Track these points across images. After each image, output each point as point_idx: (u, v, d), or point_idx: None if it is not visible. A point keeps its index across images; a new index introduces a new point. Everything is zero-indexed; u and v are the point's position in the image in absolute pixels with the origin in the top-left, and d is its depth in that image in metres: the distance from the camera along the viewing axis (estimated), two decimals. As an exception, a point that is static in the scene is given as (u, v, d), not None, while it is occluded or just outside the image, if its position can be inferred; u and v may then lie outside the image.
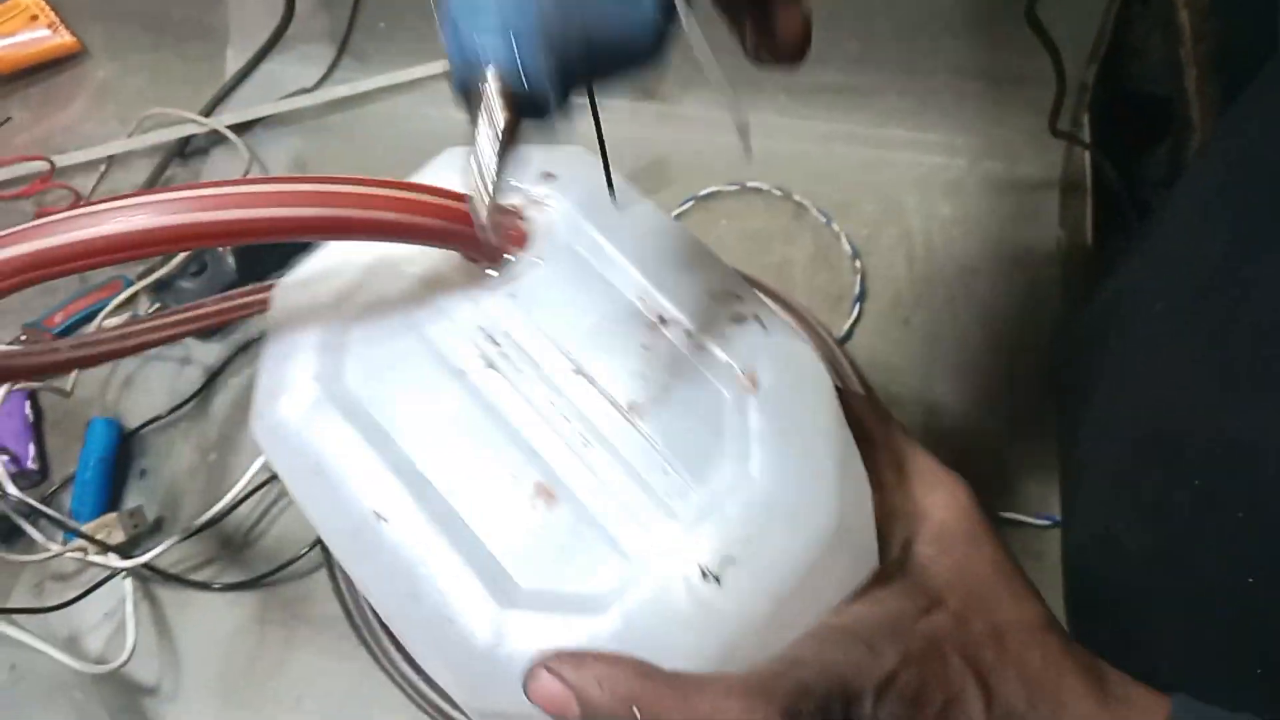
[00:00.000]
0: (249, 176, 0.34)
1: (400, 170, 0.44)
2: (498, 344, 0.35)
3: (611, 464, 0.33)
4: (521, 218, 0.38)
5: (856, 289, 0.70)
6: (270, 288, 0.63)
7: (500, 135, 0.27)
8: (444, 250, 0.37)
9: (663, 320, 0.36)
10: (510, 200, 0.38)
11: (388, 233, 0.33)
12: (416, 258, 0.38)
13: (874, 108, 0.75)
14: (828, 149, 0.74)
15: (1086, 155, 0.74)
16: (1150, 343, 0.52)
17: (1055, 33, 0.70)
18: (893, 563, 0.35)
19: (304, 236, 0.34)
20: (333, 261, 0.40)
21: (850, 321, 0.69)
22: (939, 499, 0.36)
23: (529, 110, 0.27)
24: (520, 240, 0.38)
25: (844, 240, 0.72)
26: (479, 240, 0.35)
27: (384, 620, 0.38)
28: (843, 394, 0.36)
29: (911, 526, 0.36)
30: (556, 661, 0.29)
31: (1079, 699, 0.34)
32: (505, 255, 0.37)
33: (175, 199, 0.31)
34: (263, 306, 0.64)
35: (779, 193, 0.73)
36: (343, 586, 0.61)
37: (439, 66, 0.77)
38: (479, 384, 0.35)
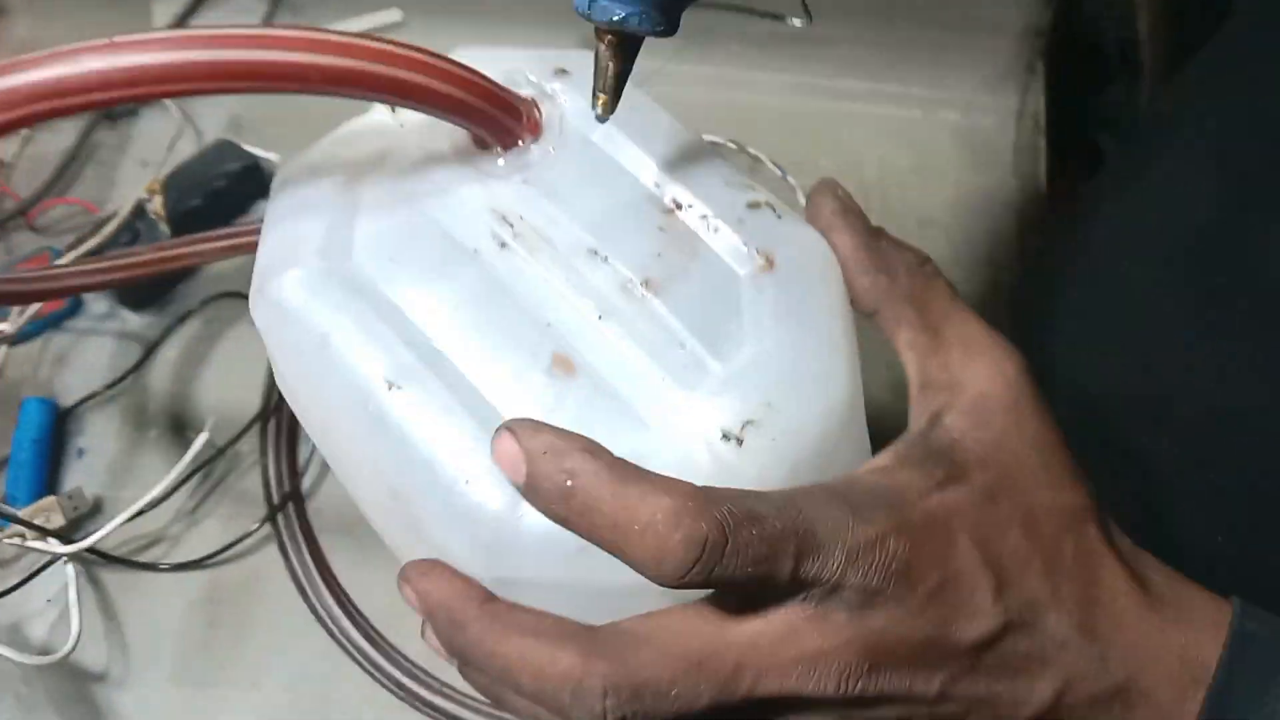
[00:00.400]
0: (279, 22, 0.35)
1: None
2: (511, 225, 0.36)
3: (629, 337, 0.33)
4: (537, 108, 0.38)
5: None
6: (214, 239, 0.61)
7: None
8: (454, 137, 0.38)
9: (678, 205, 0.37)
10: (523, 93, 0.38)
11: (408, 95, 0.33)
12: (425, 144, 0.38)
13: (831, 58, 0.73)
14: (784, 100, 0.73)
15: (1041, 101, 0.74)
16: (1131, 299, 0.51)
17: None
18: (913, 434, 0.33)
19: (328, 89, 0.33)
20: (337, 145, 0.40)
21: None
22: (981, 368, 0.33)
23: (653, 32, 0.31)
24: (535, 129, 0.38)
25: (799, 194, 0.70)
26: (498, 120, 0.36)
27: (374, 509, 0.39)
28: (882, 238, 0.36)
29: (944, 397, 0.33)
30: (518, 424, 0.29)
31: (1117, 596, 0.31)
32: (518, 142, 0.37)
33: (202, 36, 0.32)
34: (202, 259, 0.62)
35: (734, 145, 0.71)
36: (294, 564, 0.60)
37: (377, 19, 0.73)
38: (493, 262, 0.35)
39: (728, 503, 0.27)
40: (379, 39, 0.35)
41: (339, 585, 0.60)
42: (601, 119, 0.34)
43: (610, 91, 0.32)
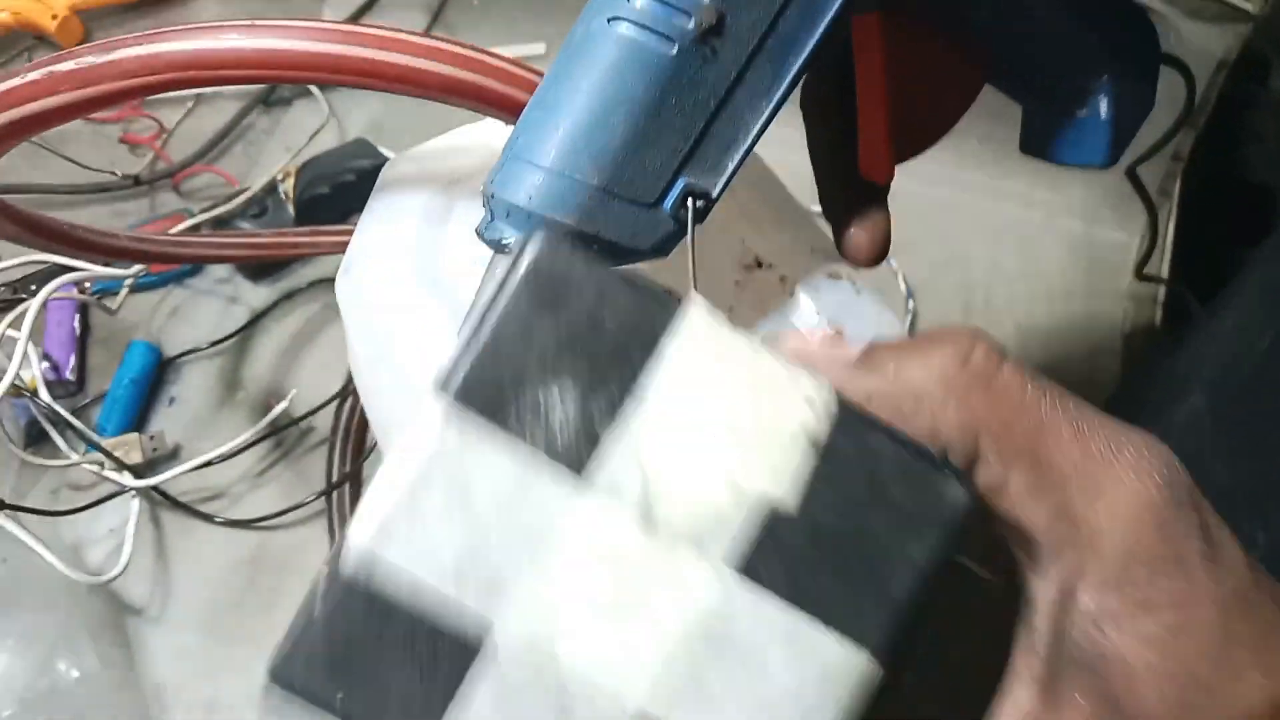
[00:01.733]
0: (411, 30, 0.37)
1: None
2: None
3: None
4: None
5: (904, 331, 0.68)
6: (329, 234, 0.64)
7: None
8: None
9: (759, 263, 0.36)
10: None
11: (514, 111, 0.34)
12: None
13: (955, 148, 0.72)
14: (899, 186, 0.72)
15: (1170, 227, 0.71)
16: (1192, 433, 0.49)
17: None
18: (1047, 643, 0.22)
19: (442, 96, 0.35)
20: (447, 145, 0.41)
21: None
22: (1115, 504, 0.21)
23: None
24: None
25: (900, 279, 0.70)
26: None
27: None
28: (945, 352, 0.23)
29: (1070, 560, 0.21)
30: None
31: None
32: None
33: (339, 30, 0.34)
34: (315, 250, 0.66)
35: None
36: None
37: (523, 50, 0.77)
38: None
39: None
40: (500, 57, 0.37)
41: (374, 571, 0.61)
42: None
43: None
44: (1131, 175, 0.65)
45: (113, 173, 0.73)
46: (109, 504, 0.60)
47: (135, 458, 0.62)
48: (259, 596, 0.61)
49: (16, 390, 0.57)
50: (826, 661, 0.20)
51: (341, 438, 0.65)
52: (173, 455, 0.64)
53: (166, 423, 0.65)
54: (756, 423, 0.20)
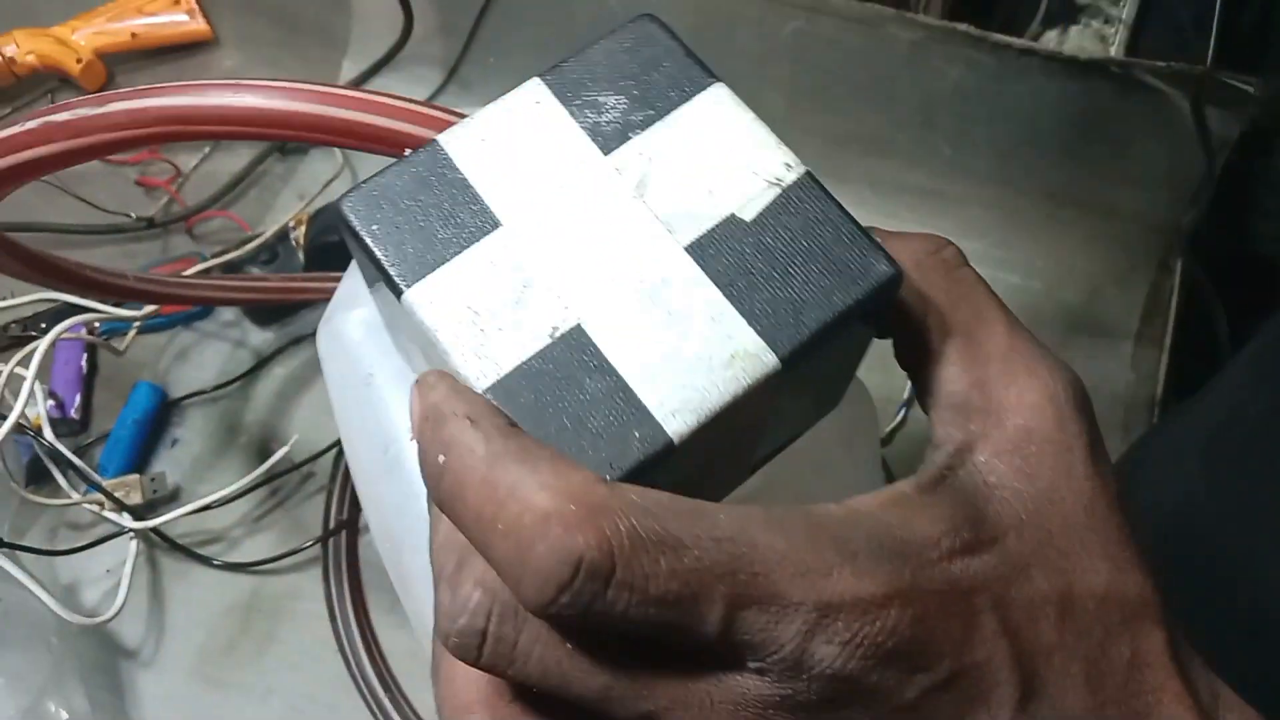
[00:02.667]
0: (390, 93, 0.37)
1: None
2: None
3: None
4: None
5: (906, 394, 0.68)
6: (336, 280, 0.65)
7: None
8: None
9: None
10: None
11: None
12: None
13: (957, 216, 0.73)
14: (903, 249, 0.73)
15: (1173, 302, 0.72)
16: (1189, 501, 0.49)
17: (1154, 169, 0.68)
18: (936, 469, 0.25)
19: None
20: None
21: (893, 425, 0.68)
22: (1027, 392, 0.24)
23: None
24: None
25: (902, 343, 0.70)
26: None
27: (389, 553, 0.40)
28: (922, 242, 0.28)
29: (977, 425, 0.25)
30: (425, 376, 0.24)
31: None
32: None
33: (320, 92, 0.35)
34: (322, 296, 0.67)
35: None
36: (332, 590, 0.62)
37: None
38: None
39: (634, 514, 0.20)
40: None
41: (368, 620, 0.61)
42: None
43: None
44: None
45: (127, 214, 0.74)
46: (107, 544, 0.60)
47: (135, 499, 0.62)
48: (252, 641, 0.61)
49: (20, 428, 0.58)
50: (740, 348, 0.24)
51: (340, 485, 0.65)
52: (173, 497, 0.65)
53: (168, 464, 0.66)
54: (743, 162, 0.26)
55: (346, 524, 0.64)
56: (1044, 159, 0.71)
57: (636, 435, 0.23)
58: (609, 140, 0.26)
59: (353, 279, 0.41)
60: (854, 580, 0.21)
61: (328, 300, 0.69)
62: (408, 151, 0.27)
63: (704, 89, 0.27)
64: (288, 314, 0.72)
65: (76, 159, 0.36)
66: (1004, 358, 0.25)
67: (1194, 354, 0.71)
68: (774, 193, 0.26)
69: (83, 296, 0.58)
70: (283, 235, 0.72)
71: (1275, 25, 0.76)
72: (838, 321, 0.25)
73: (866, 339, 0.29)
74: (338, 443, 0.66)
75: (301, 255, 0.72)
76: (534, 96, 0.27)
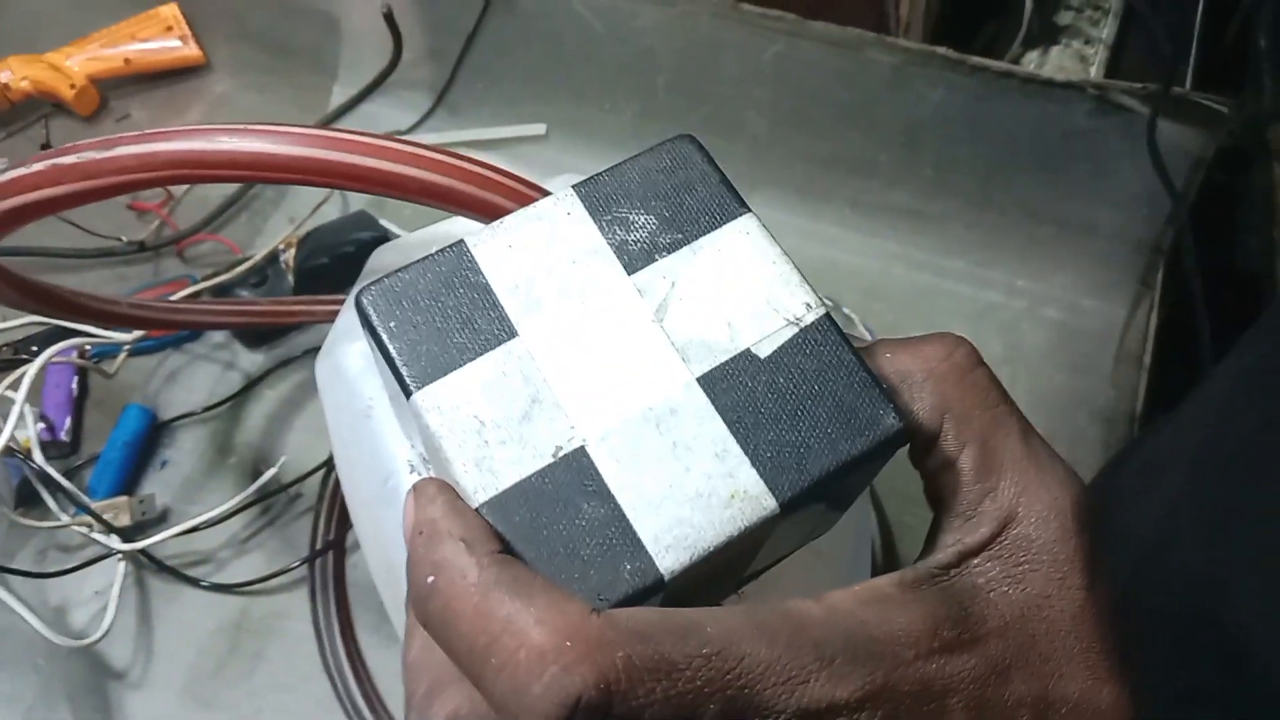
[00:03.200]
0: (392, 136, 0.38)
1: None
2: None
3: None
4: None
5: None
6: (325, 303, 0.66)
7: None
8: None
9: None
10: None
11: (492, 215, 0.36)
12: None
13: (939, 234, 0.74)
14: (885, 268, 0.74)
15: (1153, 319, 0.72)
16: (1169, 515, 0.50)
17: (1132, 187, 0.69)
18: (930, 566, 0.26)
19: (424, 200, 0.37)
20: (433, 235, 0.43)
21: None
22: (1034, 503, 0.25)
23: None
24: None
25: (885, 361, 0.71)
26: None
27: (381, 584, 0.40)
28: (935, 347, 0.28)
29: (983, 532, 0.26)
30: (423, 484, 0.25)
31: None
32: None
33: (323, 136, 0.36)
34: (311, 318, 0.67)
35: (830, 302, 0.73)
36: (319, 611, 0.62)
37: (523, 130, 0.79)
38: None
39: (628, 644, 0.21)
40: (486, 165, 0.39)
41: (355, 641, 0.62)
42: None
43: None
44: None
45: (119, 238, 0.75)
46: (96, 566, 0.60)
47: (124, 520, 0.62)
48: (240, 662, 0.61)
49: (10, 451, 0.59)
50: (740, 488, 0.24)
51: (327, 506, 0.65)
52: (161, 519, 0.65)
53: (158, 486, 0.66)
54: (764, 298, 0.27)
55: (333, 544, 0.64)
56: (1024, 178, 0.72)
57: (628, 568, 0.23)
58: (634, 260, 0.27)
59: (350, 313, 0.42)
60: (830, 685, 0.22)
61: (316, 322, 0.71)
62: (434, 251, 0.27)
63: (734, 218, 0.27)
64: (277, 336, 0.73)
65: (82, 201, 0.36)
66: (1016, 466, 0.26)
67: (1174, 370, 0.72)
68: (791, 331, 0.26)
69: (77, 323, 0.59)
70: (272, 258, 0.73)
71: (1252, 48, 0.77)
72: (842, 470, 0.25)
73: (869, 477, 0.29)
74: (325, 464, 0.66)
75: (291, 278, 0.72)
76: (565, 207, 0.27)
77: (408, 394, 0.25)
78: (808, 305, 0.26)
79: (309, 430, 0.69)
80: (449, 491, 0.24)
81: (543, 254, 0.27)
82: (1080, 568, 0.25)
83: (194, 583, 0.63)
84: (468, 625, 0.22)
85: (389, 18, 0.78)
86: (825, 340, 0.26)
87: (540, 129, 0.79)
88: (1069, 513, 0.25)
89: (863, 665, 0.23)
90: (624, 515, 0.24)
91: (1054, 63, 0.83)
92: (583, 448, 0.25)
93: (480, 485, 0.24)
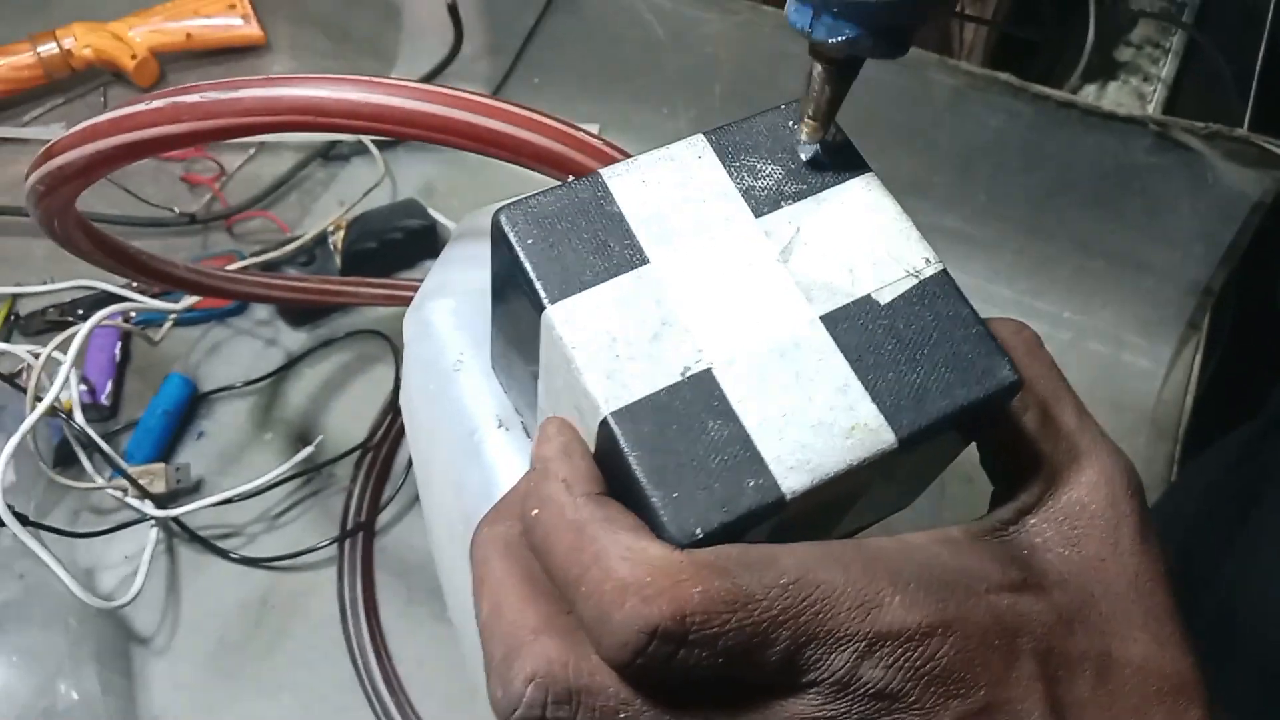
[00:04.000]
0: (511, 100, 0.39)
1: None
2: None
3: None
4: None
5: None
6: (372, 285, 0.66)
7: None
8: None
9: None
10: None
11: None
12: None
13: (988, 261, 0.74)
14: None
15: (1197, 360, 0.72)
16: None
17: (1186, 227, 0.69)
18: (992, 521, 0.27)
19: (536, 165, 0.37)
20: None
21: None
22: (1086, 471, 0.27)
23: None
24: None
25: (926, 383, 0.71)
26: None
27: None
28: (1005, 324, 0.30)
29: (1036, 492, 0.27)
30: (550, 422, 0.26)
31: None
32: None
33: (445, 94, 0.36)
34: (356, 300, 0.68)
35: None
36: (345, 591, 0.62)
37: (578, 128, 0.80)
38: None
39: (705, 579, 0.22)
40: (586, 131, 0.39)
41: (378, 623, 0.62)
42: (808, 145, 0.29)
43: (822, 117, 0.29)
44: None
45: (170, 209, 0.75)
46: (127, 531, 0.61)
47: (159, 487, 0.63)
48: (263, 637, 0.61)
49: (52, 410, 0.59)
50: (861, 420, 0.25)
51: (360, 487, 0.65)
52: (195, 489, 0.65)
53: (193, 456, 0.67)
54: (884, 249, 0.28)
55: (364, 526, 0.64)
56: (1077, 210, 0.71)
57: (751, 484, 0.24)
58: (761, 204, 0.28)
59: (444, 268, 0.42)
60: (903, 610, 0.23)
61: (361, 304, 0.71)
62: (570, 179, 0.28)
63: (857, 175, 0.29)
64: (320, 316, 0.73)
65: (199, 140, 0.37)
66: (1071, 435, 0.27)
67: (1215, 414, 0.71)
68: (911, 282, 0.27)
69: (136, 279, 0.59)
70: (321, 239, 0.73)
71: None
72: (958, 414, 0.26)
73: (962, 445, 0.30)
74: (362, 445, 0.67)
75: (338, 259, 0.73)
76: (696, 151, 0.28)
77: (540, 308, 0.26)
78: (926, 260, 0.27)
79: (347, 412, 0.69)
80: (567, 432, 0.26)
81: (674, 192, 0.28)
82: (1131, 534, 0.26)
83: (224, 554, 0.63)
84: (562, 557, 0.24)
85: (453, 9, 0.78)
86: (943, 293, 0.27)
87: (594, 129, 0.79)
88: (1119, 481, 0.26)
89: (936, 593, 0.23)
90: (748, 435, 0.25)
91: (1111, 98, 0.83)
92: (710, 370, 0.25)
93: (610, 395, 0.25)
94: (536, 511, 0.25)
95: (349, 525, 0.64)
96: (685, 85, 0.77)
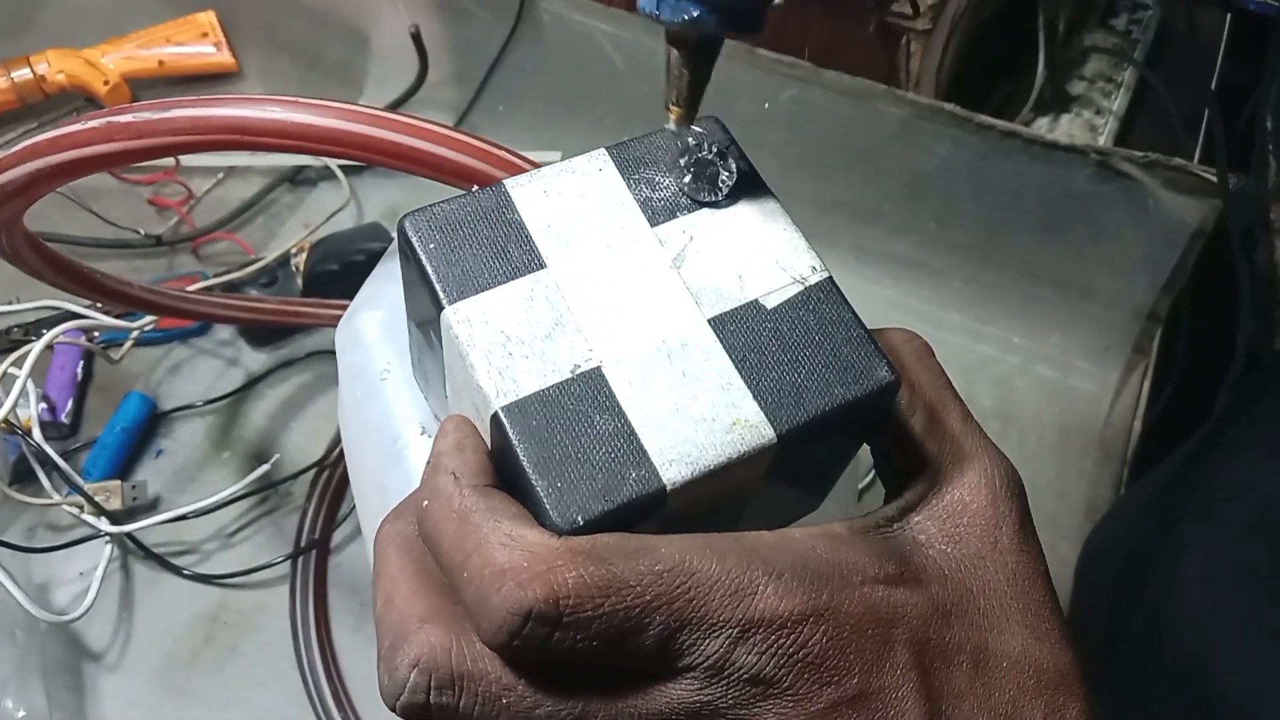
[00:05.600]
0: (434, 121, 0.40)
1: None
2: None
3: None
4: None
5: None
6: (332, 307, 0.67)
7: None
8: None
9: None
10: None
11: None
12: None
13: (939, 288, 0.76)
14: (884, 315, 0.75)
15: (1145, 385, 0.73)
16: (1191, 586, 0.50)
17: (1131, 254, 0.70)
18: (876, 518, 0.27)
19: (454, 181, 0.39)
20: None
21: (862, 484, 0.69)
22: (968, 472, 0.27)
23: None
24: None
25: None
26: None
27: None
28: (896, 333, 0.31)
29: (920, 490, 0.28)
30: (451, 419, 0.28)
31: None
32: None
33: (370, 114, 0.38)
34: (316, 321, 0.69)
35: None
36: (297, 608, 0.63)
37: (540, 156, 0.81)
38: None
39: (580, 565, 0.23)
40: (512, 151, 0.40)
41: (330, 640, 0.62)
42: (678, 132, 0.30)
43: (685, 103, 0.30)
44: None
45: (136, 231, 0.77)
46: (83, 547, 0.61)
47: (115, 504, 0.63)
48: (215, 653, 0.61)
49: (10, 427, 0.60)
50: (742, 417, 0.26)
51: (315, 504, 0.66)
52: (152, 506, 0.66)
53: (151, 474, 0.67)
54: (773, 258, 0.29)
55: (318, 543, 0.65)
56: (1025, 238, 0.73)
57: (633, 475, 0.25)
58: (657, 214, 0.29)
59: (376, 283, 0.43)
60: (776, 599, 0.23)
61: (322, 325, 0.72)
62: (474, 189, 0.29)
63: (751, 188, 0.30)
64: (282, 337, 0.74)
65: (132, 159, 0.38)
66: (956, 439, 0.28)
67: (1163, 437, 0.73)
68: (797, 289, 0.28)
69: (88, 297, 0.60)
70: (284, 261, 0.74)
71: (1259, 127, 0.78)
72: (835, 412, 0.27)
73: (854, 446, 0.31)
74: (318, 464, 0.67)
75: (300, 281, 0.74)
76: (598, 164, 0.30)
77: (440, 308, 0.27)
78: (813, 268, 0.29)
79: (306, 431, 0.70)
80: (464, 429, 0.27)
81: (574, 202, 0.29)
82: (1011, 533, 0.27)
83: (177, 571, 0.63)
84: (448, 544, 0.24)
85: (416, 38, 0.80)
86: (827, 299, 0.28)
87: (556, 155, 0.81)
88: (999, 482, 0.27)
89: (810, 583, 0.24)
90: (633, 430, 0.26)
91: (1064, 129, 0.85)
92: (599, 368, 0.27)
93: (501, 391, 0.26)
94: (427, 503, 0.26)
95: (303, 542, 0.65)
96: (644, 111, 0.78)
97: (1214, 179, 0.66)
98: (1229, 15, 0.95)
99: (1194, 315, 0.76)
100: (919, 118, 0.70)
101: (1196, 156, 0.82)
